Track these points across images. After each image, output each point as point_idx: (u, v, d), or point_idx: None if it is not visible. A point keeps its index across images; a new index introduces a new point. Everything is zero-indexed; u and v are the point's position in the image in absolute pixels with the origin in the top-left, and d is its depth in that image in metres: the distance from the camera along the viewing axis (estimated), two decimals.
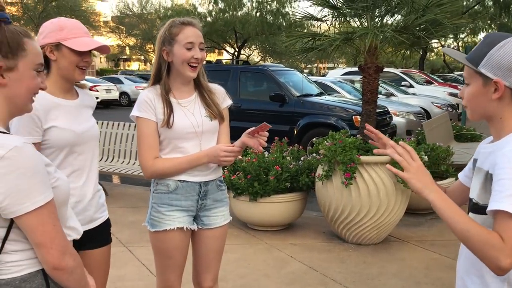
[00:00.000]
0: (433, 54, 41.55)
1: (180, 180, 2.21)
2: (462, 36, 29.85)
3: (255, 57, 33.93)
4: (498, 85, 1.33)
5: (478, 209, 1.38)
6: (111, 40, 38.70)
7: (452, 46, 35.92)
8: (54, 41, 1.92)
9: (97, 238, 2.09)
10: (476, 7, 23.50)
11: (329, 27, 5.01)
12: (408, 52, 5.27)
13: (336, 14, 4.94)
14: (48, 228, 1.26)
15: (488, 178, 1.34)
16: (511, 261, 1.20)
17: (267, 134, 2.19)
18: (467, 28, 26.19)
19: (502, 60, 1.32)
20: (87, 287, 1.40)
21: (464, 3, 21.67)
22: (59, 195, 1.32)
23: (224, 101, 2.35)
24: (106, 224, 2.16)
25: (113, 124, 6.60)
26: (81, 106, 2.05)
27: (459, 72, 29.35)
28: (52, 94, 1.93)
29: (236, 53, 28.03)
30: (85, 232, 1.61)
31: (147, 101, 2.18)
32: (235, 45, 28.12)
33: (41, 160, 1.28)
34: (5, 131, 1.29)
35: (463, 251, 1.48)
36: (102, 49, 2.00)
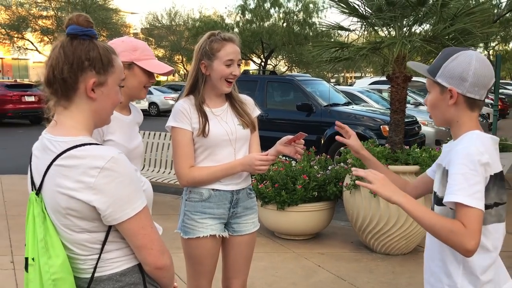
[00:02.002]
0: None
1: (213, 189, 2.27)
2: (493, 44, 29.25)
3: (282, 67, 34.02)
4: (452, 93, 1.54)
5: (438, 200, 1.59)
6: None
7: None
8: (127, 60, 1.97)
9: None
10: (507, 15, 23.02)
11: (358, 37, 5.01)
12: None
13: (364, 23, 4.95)
14: (147, 230, 1.33)
15: (444, 173, 1.55)
16: (475, 242, 1.39)
17: (303, 142, 2.24)
18: (498, 36, 25.67)
19: (455, 70, 1.53)
20: (173, 284, 1.47)
21: (495, 10, 21.27)
22: (147, 198, 1.38)
23: (254, 111, 2.42)
24: None
25: (143, 134, 6.75)
26: (133, 122, 2.10)
27: None
28: None
29: (263, 63, 28.17)
30: None
31: (183, 111, 2.23)
32: (262, 55, 28.26)
33: (133, 168, 1.34)
34: (98, 142, 1.34)
35: (427, 243, 1.71)
36: (167, 72, 2.09)
